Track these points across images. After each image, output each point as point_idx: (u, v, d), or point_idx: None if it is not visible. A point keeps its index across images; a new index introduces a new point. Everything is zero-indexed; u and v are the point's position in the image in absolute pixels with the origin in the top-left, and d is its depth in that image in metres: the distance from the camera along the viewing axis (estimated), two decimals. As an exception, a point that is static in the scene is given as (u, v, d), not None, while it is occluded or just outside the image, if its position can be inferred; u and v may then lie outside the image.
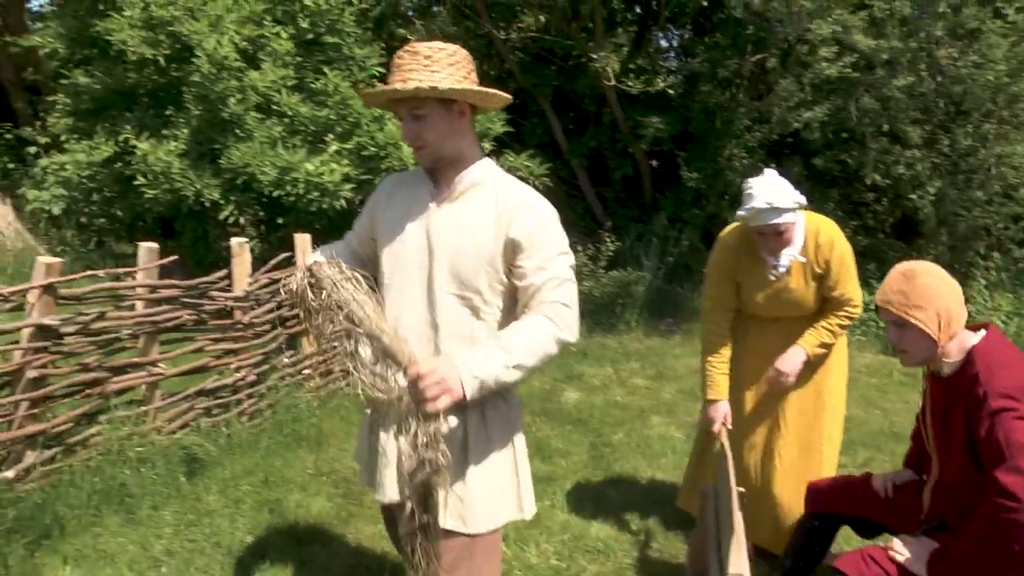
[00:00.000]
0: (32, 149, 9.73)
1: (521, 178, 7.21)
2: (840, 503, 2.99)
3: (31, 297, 3.45)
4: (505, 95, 2.19)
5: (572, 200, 11.01)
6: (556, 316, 2.07)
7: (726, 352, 3.42)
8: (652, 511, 4.16)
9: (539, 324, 2.06)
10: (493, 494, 2.21)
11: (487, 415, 2.18)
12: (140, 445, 3.89)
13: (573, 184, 10.77)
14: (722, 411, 3.39)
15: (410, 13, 10.31)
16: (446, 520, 2.10)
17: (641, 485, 4.52)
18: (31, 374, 3.46)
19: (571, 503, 4.23)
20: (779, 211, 3.08)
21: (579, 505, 4.21)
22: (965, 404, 2.44)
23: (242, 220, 6.32)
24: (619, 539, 3.86)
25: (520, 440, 2.30)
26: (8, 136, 12.08)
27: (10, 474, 3.39)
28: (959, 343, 2.49)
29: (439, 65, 2.08)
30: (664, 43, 12.34)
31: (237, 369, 4.70)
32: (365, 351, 1.93)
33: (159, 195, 6.40)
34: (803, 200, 3.15)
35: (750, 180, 3.20)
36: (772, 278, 3.30)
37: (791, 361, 3.27)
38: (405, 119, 2.14)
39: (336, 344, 1.96)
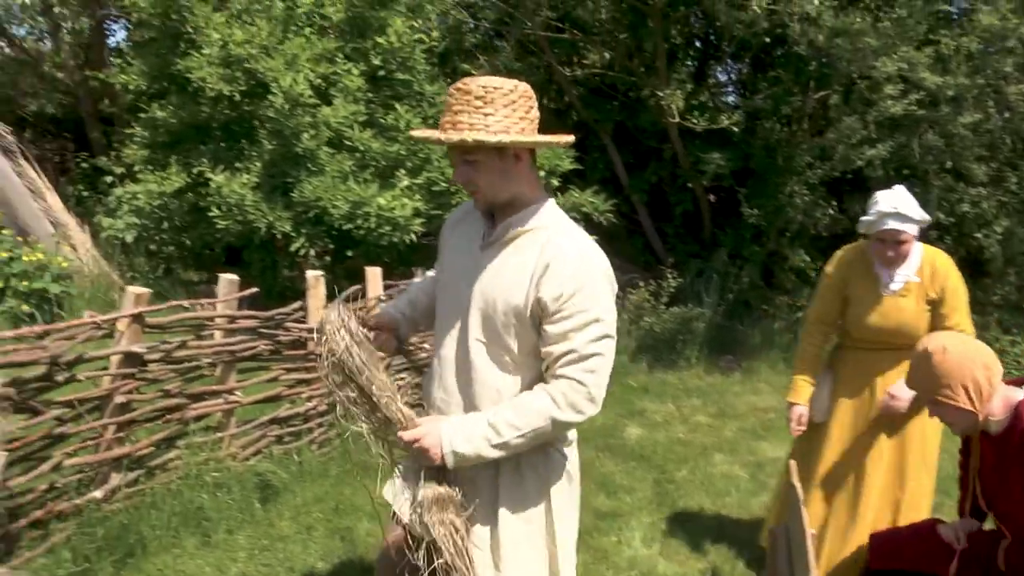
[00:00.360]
0: (108, 178, 10.09)
1: (585, 215, 7.30)
2: (906, 557, 2.93)
3: (120, 325, 3.59)
4: (565, 137, 2.10)
5: (632, 235, 11.03)
6: (562, 394, 1.97)
7: (816, 365, 3.55)
8: (719, 549, 4.14)
9: (537, 404, 1.98)
10: (522, 549, 2.11)
11: (522, 464, 2.11)
12: (216, 470, 4.00)
13: (633, 219, 10.78)
14: (797, 413, 3.52)
15: (474, 48, 10.49)
16: (481, 570, 2.08)
17: (707, 523, 4.49)
18: (119, 399, 3.59)
19: (638, 540, 4.21)
20: (903, 218, 3.09)
21: (646, 542, 4.20)
22: (1020, 461, 2.41)
23: (312, 252, 6.48)
24: (687, 578, 3.85)
25: (561, 496, 2.17)
26: (84, 165, 12.56)
27: (98, 494, 3.52)
28: (1003, 400, 2.47)
29: (493, 107, 1.92)
30: (723, 77, 12.37)
31: (309, 399, 4.81)
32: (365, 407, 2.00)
33: (230, 226, 6.60)
34: (928, 219, 3.16)
35: (877, 193, 3.22)
36: (884, 294, 3.28)
37: (906, 389, 3.25)
38: (457, 162, 2.03)
39: (340, 394, 2.03)
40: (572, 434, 2.25)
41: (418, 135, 2.07)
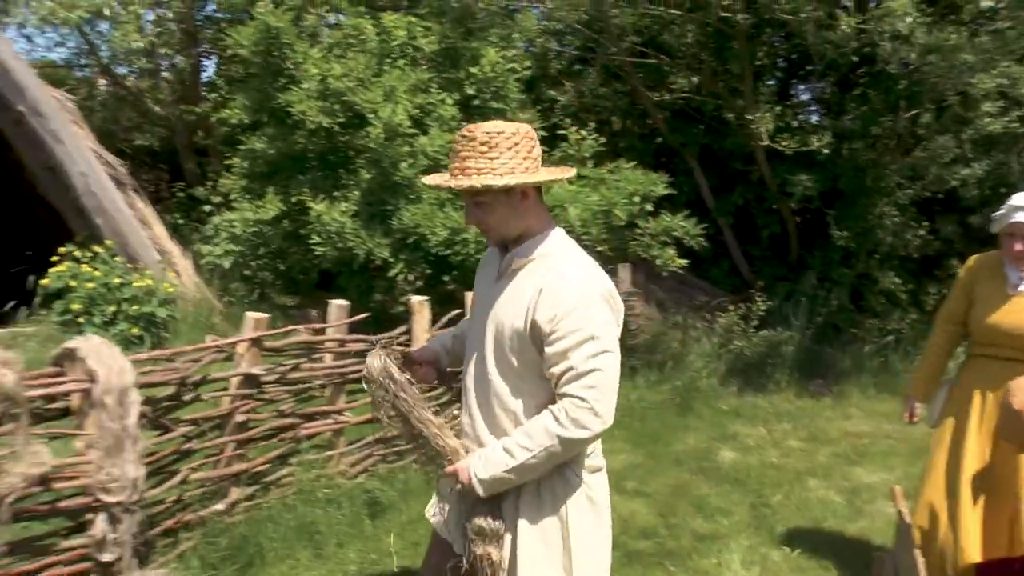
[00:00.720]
0: (206, 207, 10.54)
1: (677, 238, 7.31)
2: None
3: (240, 348, 3.79)
4: (567, 172, 2.24)
5: (718, 259, 10.98)
6: (564, 412, 2.05)
7: (939, 364, 3.61)
8: (818, 575, 4.11)
9: (543, 424, 2.07)
10: (540, 568, 2.18)
11: (542, 488, 2.19)
12: (327, 487, 4.17)
13: (719, 242, 10.74)
14: (911, 405, 3.64)
15: (559, 75, 10.64)
16: None
17: (806, 548, 4.45)
18: (239, 418, 3.78)
19: (737, 563, 4.21)
20: None
21: (746, 565, 4.20)
22: None
23: (410, 277, 6.67)
24: (789, 603, 3.84)
25: (581, 520, 2.22)
26: (180, 195, 13.12)
27: (220, 507, 3.72)
28: None
29: (498, 150, 2.04)
30: (806, 97, 12.24)
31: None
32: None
33: (328, 252, 6.84)
34: None
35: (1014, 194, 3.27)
36: (1010, 294, 3.26)
37: None
38: (467, 205, 2.16)
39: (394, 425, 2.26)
40: (598, 461, 2.31)
41: (430, 182, 2.19)
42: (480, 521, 2.16)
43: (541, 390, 2.15)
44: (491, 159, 2.04)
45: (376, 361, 2.21)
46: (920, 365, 3.69)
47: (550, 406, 2.09)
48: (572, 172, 2.29)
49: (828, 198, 10.45)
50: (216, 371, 3.75)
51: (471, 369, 2.27)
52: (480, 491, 2.11)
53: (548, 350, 2.07)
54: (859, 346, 9.53)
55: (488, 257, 2.38)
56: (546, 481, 2.18)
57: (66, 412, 3.14)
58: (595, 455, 2.30)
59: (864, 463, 6.03)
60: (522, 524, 2.19)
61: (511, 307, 2.14)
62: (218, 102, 12.47)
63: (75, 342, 3.16)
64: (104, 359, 3.08)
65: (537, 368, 2.13)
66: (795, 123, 10.77)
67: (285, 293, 9.13)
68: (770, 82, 11.32)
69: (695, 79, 10.05)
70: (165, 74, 14.02)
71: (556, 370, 2.07)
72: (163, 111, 13.65)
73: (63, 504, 3.08)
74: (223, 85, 12.93)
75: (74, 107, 9.11)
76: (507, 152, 2.05)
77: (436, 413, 2.24)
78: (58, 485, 3.02)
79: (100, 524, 3.09)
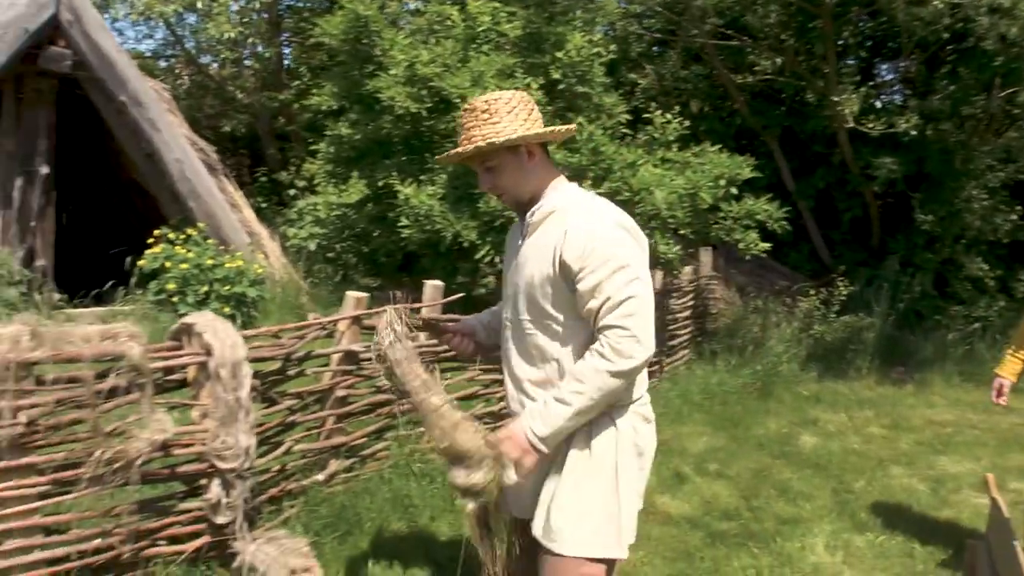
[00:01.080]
0: (291, 191, 10.87)
1: (760, 222, 7.29)
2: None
3: (341, 326, 3.96)
4: (567, 127, 2.35)
5: (797, 242, 10.86)
6: (607, 346, 2.07)
7: None
8: (904, 562, 4.11)
9: (590, 363, 2.08)
10: (585, 518, 2.21)
11: (592, 433, 2.21)
12: (421, 461, 4.32)
13: (798, 225, 10.63)
14: (998, 383, 3.74)
15: (639, 57, 10.63)
16: (536, 527, 2.26)
17: (889, 535, 4.43)
18: (339, 393, 3.96)
19: (821, 547, 4.22)
20: None
21: (829, 549, 4.20)
22: None
23: (497, 260, 6.81)
24: (873, 588, 3.85)
25: (629, 467, 2.26)
26: (263, 179, 13.53)
27: (320, 477, 3.90)
28: None
29: (498, 116, 2.17)
30: (890, 76, 11.97)
31: (502, 398, 5.08)
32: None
33: (414, 234, 7.01)
34: None
35: None
36: None
37: None
38: (480, 172, 2.27)
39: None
40: (648, 412, 2.33)
41: (442, 160, 2.35)
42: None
43: (579, 331, 2.18)
44: (493, 124, 2.17)
45: (385, 316, 2.38)
46: (1012, 344, 3.73)
47: (592, 346, 2.11)
48: (573, 127, 2.44)
49: (913, 181, 10.23)
50: (319, 348, 3.93)
51: (508, 334, 2.33)
52: (544, 448, 2.13)
53: (580, 287, 2.10)
54: (943, 334, 9.37)
55: (512, 231, 2.47)
56: (596, 428, 2.21)
57: (183, 383, 3.35)
58: (645, 405, 2.33)
59: (949, 452, 5.96)
60: (570, 469, 2.22)
61: (538, 258, 2.20)
62: (300, 89, 12.82)
63: (192, 317, 3.36)
64: (219, 334, 3.26)
65: (572, 309, 2.17)
66: (879, 104, 10.56)
67: (368, 275, 9.37)
68: (852, 61, 11.10)
69: (777, 60, 9.93)
70: (248, 62, 14.44)
71: (593, 304, 2.10)
72: (246, 98, 14.07)
73: (181, 469, 3.29)
74: (305, 72, 13.28)
75: (169, 97, 9.48)
76: (507, 116, 2.18)
77: (430, 372, 2.35)
78: (177, 451, 3.23)
79: (215, 488, 3.28)
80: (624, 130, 7.69)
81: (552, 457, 2.23)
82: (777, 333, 8.34)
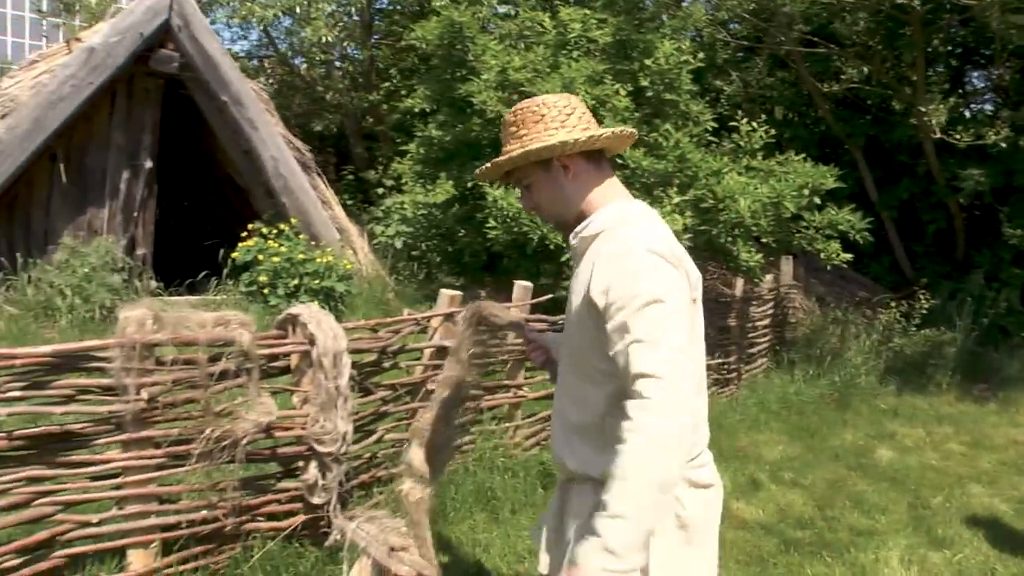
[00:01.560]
0: (379, 190, 11.18)
1: (842, 232, 7.28)
2: None
3: (434, 323, 4.16)
4: (617, 131, 1.96)
5: (879, 254, 10.73)
6: (640, 410, 1.62)
7: None
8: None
9: (626, 452, 1.61)
10: None
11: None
12: (504, 456, 4.50)
13: (880, 237, 10.50)
14: None
15: (725, 64, 10.63)
16: None
17: (968, 553, 4.42)
18: (430, 386, 4.15)
19: (895, 560, 4.24)
20: None
21: (904, 564, 4.22)
22: None
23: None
24: (949, 603, 3.86)
25: (667, 549, 1.82)
26: (350, 177, 13.90)
27: (408, 467, 4.09)
28: None
29: (525, 127, 1.89)
30: (981, 84, 11.70)
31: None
32: None
33: (500, 236, 7.21)
34: None
35: None
36: None
37: None
38: (520, 190, 2.02)
39: None
40: (702, 476, 1.92)
41: (477, 175, 2.08)
42: None
43: (604, 374, 1.83)
44: (520, 137, 1.90)
45: (465, 312, 2.42)
46: None
47: (623, 423, 1.63)
48: (622, 131, 1.99)
49: (1001, 193, 10.01)
50: (412, 342, 4.13)
51: (561, 368, 2.04)
52: (624, 568, 1.60)
53: (609, 325, 1.74)
54: (1028, 351, 9.16)
55: None
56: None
57: (286, 370, 3.58)
58: (700, 468, 1.91)
59: (1034, 473, 5.88)
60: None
61: (578, 291, 1.89)
62: (390, 90, 13.18)
63: (297, 309, 3.58)
64: (322, 325, 3.48)
65: (599, 347, 1.80)
66: (968, 113, 10.35)
67: (452, 273, 9.60)
68: (941, 69, 10.91)
69: (864, 68, 9.82)
70: (339, 64, 14.86)
71: (620, 345, 1.70)
72: (335, 98, 14.49)
73: (281, 450, 3.52)
74: (395, 74, 13.62)
75: (267, 97, 9.88)
76: (534, 126, 1.89)
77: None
78: (278, 434, 3.45)
79: (312, 470, 3.51)
80: (710, 137, 7.76)
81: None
82: (856, 345, 8.29)
